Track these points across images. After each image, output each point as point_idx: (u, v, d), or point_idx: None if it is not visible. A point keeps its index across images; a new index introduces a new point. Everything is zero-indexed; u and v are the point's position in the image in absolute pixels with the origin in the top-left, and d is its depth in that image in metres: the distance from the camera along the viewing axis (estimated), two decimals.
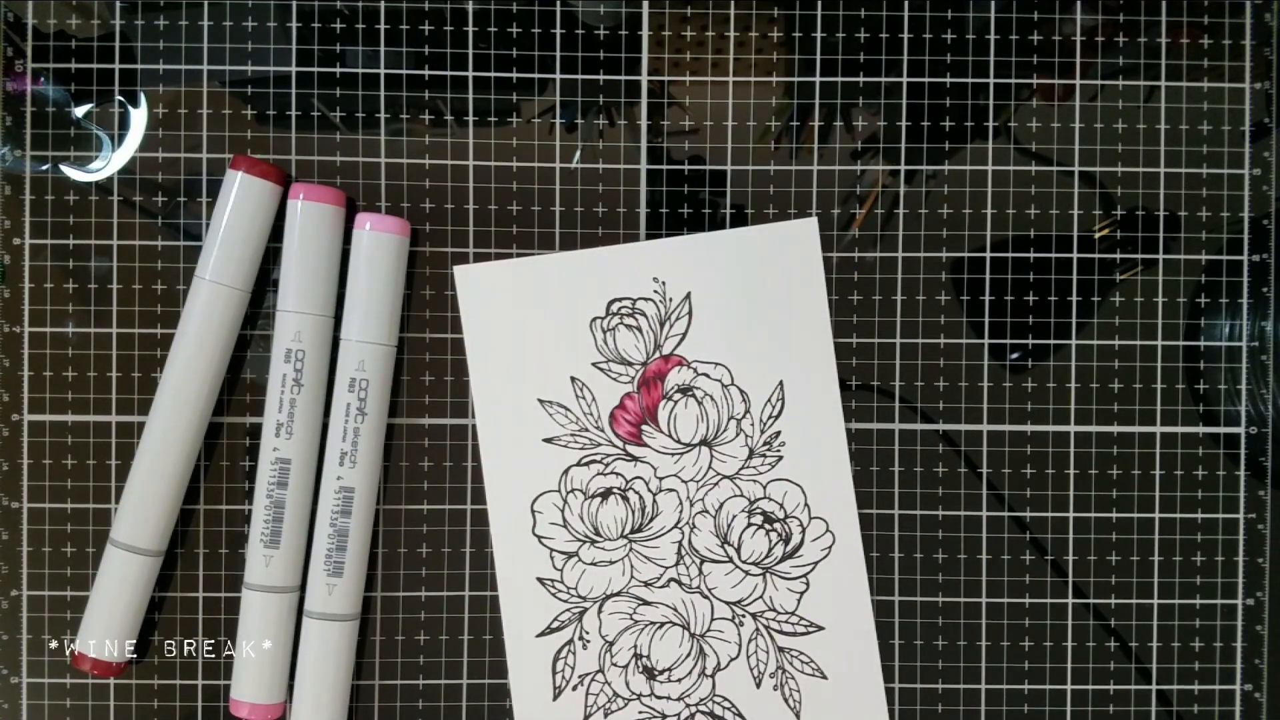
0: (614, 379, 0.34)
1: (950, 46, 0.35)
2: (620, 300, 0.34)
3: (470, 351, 0.34)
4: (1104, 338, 0.35)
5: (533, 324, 0.34)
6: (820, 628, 0.34)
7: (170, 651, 0.34)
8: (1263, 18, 0.35)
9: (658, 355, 0.34)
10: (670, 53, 0.35)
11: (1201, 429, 0.35)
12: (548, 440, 0.34)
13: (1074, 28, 0.35)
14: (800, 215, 0.35)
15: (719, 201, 0.35)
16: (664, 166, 0.35)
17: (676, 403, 0.34)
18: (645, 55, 0.35)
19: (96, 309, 0.34)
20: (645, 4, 0.35)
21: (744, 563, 0.35)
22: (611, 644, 0.34)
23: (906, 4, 0.35)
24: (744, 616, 0.35)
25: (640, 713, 0.34)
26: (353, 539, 0.33)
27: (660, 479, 0.34)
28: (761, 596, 0.35)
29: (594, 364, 0.34)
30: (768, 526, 0.34)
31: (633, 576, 0.34)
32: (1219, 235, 0.35)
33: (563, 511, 0.34)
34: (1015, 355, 0.35)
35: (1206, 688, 0.35)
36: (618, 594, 0.34)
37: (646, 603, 0.35)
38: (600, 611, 0.34)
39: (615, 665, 0.34)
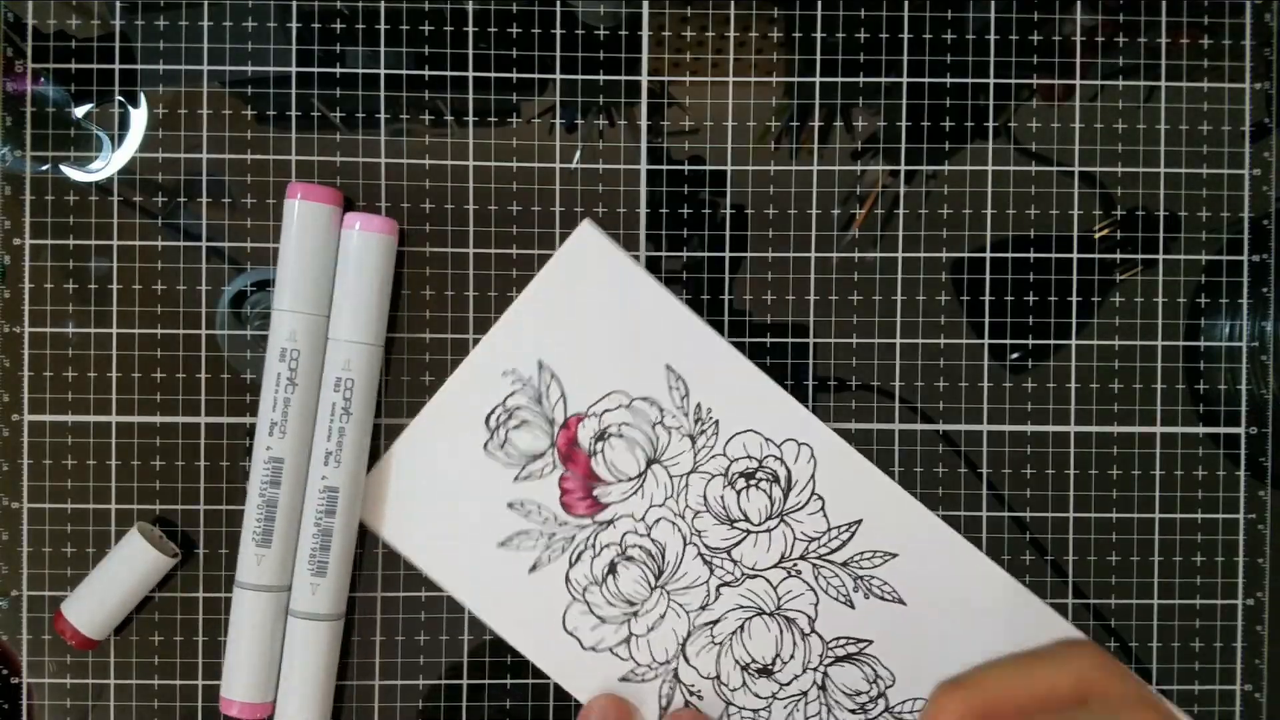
0: (542, 476, 0.34)
1: (950, 46, 0.35)
2: (492, 413, 0.34)
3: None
4: (1104, 338, 0.35)
5: (444, 494, 0.34)
6: (891, 554, 0.34)
7: (170, 651, 0.34)
8: (1263, 18, 0.35)
9: (559, 429, 0.34)
10: (670, 53, 0.35)
11: (1201, 429, 0.35)
12: (534, 569, 0.34)
13: (1074, 28, 0.35)
14: (800, 214, 0.35)
15: (719, 201, 0.35)
16: (664, 167, 0.35)
17: (601, 451, 0.34)
18: (645, 55, 0.35)
19: (96, 309, 0.34)
20: (645, 4, 0.35)
21: (758, 526, 0.34)
22: (719, 676, 0.34)
23: (906, 4, 0.35)
24: (794, 564, 0.34)
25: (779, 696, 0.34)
26: (336, 539, 0.33)
27: (643, 519, 0.34)
28: (795, 538, 0.34)
29: (516, 480, 0.34)
30: (753, 481, 0.34)
31: (688, 613, 0.34)
32: (1219, 235, 0.35)
33: (593, 613, 0.34)
34: (1015, 355, 0.35)
35: (1206, 688, 0.35)
36: (690, 635, 0.34)
37: (716, 622, 0.34)
38: (689, 660, 0.34)
39: (732, 688, 0.34)
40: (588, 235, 0.34)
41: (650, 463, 0.34)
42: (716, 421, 0.34)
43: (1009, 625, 0.34)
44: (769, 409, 0.34)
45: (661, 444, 0.34)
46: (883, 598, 0.34)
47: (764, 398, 0.34)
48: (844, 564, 0.34)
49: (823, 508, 0.34)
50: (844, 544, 0.34)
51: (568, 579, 0.34)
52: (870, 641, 0.34)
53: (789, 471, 0.34)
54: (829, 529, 0.34)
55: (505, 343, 0.34)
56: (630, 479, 0.34)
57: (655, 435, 0.34)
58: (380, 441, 0.34)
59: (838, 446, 0.34)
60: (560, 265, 0.34)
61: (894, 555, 0.34)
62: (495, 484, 0.34)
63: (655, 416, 0.34)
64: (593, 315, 0.34)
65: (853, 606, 0.34)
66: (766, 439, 0.34)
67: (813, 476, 0.34)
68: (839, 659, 0.34)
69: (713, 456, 0.34)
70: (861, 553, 0.34)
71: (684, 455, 0.34)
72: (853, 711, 0.34)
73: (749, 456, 0.34)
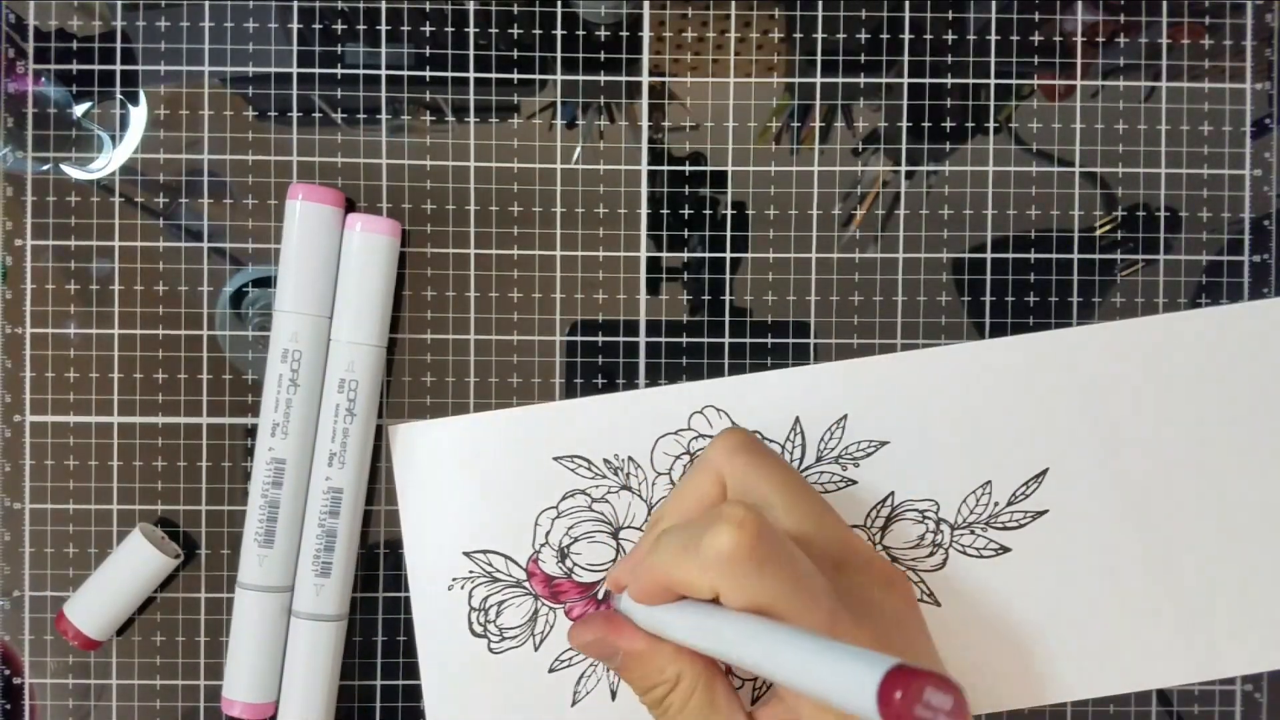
0: (551, 629, 0.34)
1: (951, 45, 0.35)
2: (472, 623, 0.34)
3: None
4: None
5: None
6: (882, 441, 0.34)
7: (172, 652, 0.35)
8: (1264, 18, 0.35)
9: (528, 581, 0.34)
10: (671, 51, 0.35)
11: None
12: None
13: (1075, 26, 0.35)
14: (800, 214, 0.35)
15: (719, 200, 0.35)
16: (665, 167, 0.35)
17: (573, 564, 0.34)
18: (646, 55, 0.35)
19: (98, 310, 0.34)
20: (646, 3, 0.35)
21: None
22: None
23: (907, 3, 0.35)
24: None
25: None
26: (340, 540, 0.33)
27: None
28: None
29: (537, 650, 0.34)
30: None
31: None
32: (1219, 236, 0.35)
33: None
34: None
35: (1206, 688, 0.35)
36: None
37: None
38: None
39: None
40: (404, 434, 0.34)
41: (616, 532, 0.34)
42: (630, 458, 0.34)
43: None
44: (658, 412, 0.34)
45: (610, 513, 0.34)
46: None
47: (637, 408, 0.34)
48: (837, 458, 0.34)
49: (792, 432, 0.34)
50: (839, 440, 0.34)
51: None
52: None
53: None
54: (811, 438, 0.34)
55: (427, 560, 0.34)
56: (614, 559, 0.34)
57: (599, 512, 0.34)
58: (381, 442, 0.34)
59: (747, 384, 0.34)
60: (404, 472, 0.34)
61: (885, 443, 0.34)
62: (531, 670, 0.34)
63: (584, 502, 0.34)
64: (463, 482, 0.34)
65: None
66: (674, 435, 0.34)
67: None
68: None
69: (656, 480, 0.34)
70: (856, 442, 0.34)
71: (633, 502, 0.34)
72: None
73: (685, 453, 0.34)
